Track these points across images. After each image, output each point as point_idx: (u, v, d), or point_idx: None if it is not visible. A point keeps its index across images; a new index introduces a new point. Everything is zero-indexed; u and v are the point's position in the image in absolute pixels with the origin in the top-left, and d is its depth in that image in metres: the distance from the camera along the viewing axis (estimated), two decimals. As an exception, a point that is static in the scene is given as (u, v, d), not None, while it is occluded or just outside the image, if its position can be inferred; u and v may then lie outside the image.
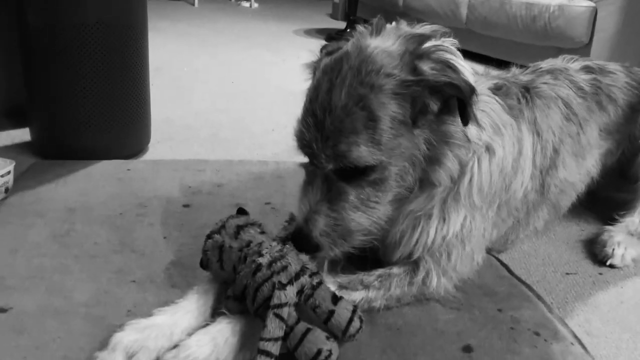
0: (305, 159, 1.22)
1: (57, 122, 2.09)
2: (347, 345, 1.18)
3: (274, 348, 1.02)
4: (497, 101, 1.39)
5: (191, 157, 2.27)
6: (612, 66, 1.84)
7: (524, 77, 1.62)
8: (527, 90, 1.54)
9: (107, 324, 1.17)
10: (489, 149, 1.34)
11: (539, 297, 1.43)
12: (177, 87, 3.37)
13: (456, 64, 1.17)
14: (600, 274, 1.62)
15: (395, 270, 1.34)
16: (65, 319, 1.20)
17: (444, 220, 1.32)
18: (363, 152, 1.13)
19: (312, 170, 1.22)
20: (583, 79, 1.71)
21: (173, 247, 1.52)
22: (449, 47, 1.20)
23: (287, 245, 1.17)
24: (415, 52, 1.17)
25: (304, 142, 1.19)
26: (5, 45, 2.38)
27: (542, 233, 1.79)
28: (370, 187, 1.20)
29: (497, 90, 1.44)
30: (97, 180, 1.92)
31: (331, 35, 5.43)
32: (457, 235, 1.34)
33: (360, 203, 1.20)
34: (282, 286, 1.07)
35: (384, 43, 1.20)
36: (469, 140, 1.27)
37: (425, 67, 1.15)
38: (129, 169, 2.02)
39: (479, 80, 1.39)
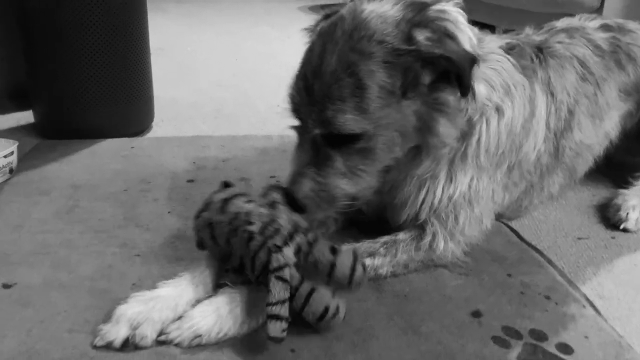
0: (297, 122, 1.22)
1: (60, 103, 2.07)
2: (352, 313, 1.17)
3: (283, 310, 1.01)
4: (509, 60, 1.35)
5: (196, 134, 2.25)
6: (632, 24, 1.76)
7: (537, 37, 1.56)
8: (541, 50, 1.48)
9: (111, 297, 1.17)
10: (498, 109, 1.31)
11: (549, 261, 1.40)
12: (181, 67, 3.35)
13: (456, 33, 1.14)
14: (613, 238, 1.58)
15: (401, 236, 1.31)
16: (70, 292, 1.20)
17: (451, 180, 1.30)
18: (348, 120, 1.12)
19: (301, 133, 1.21)
20: (601, 37, 1.65)
21: (177, 222, 1.51)
22: (451, 14, 1.16)
23: (278, 208, 1.15)
24: (413, 19, 1.13)
25: (294, 105, 1.18)
26: (6, 26, 2.36)
27: (557, 198, 1.75)
28: (357, 156, 1.18)
29: (510, 50, 1.39)
30: (101, 158, 1.91)
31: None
32: (465, 196, 1.31)
33: (346, 170, 1.19)
34: (278, 249, 1.06)
35: (381, 7, 1.16)
36: (465, 108, 1.24)
37: (421, 36, 1.11)
38: (133, 147, 2.01)
39: (490, 39, 1.35)
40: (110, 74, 2.06)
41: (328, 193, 1.20)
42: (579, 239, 1.57)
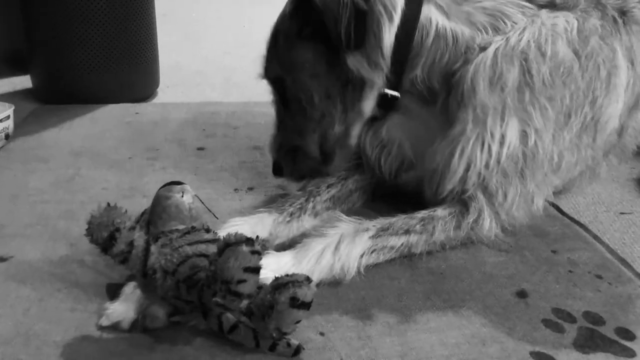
0: None
1: (59, 66, 1.94)
2: (385, 292, 1.05)
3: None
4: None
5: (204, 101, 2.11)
6: None
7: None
8: (624, 13, 1.29)
9: (118, 273, 1.05)
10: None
11: (595, 237, 1.28)
12: (186, 33, 3.19)
13: None
14: (659, 212, 1.46)
15: (440, 212, 1.18)
16: (71, 268, 1.08)
17: (492, 136, 1.12)
18: (268, 68, 1.24)
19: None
20: None
21: (188, 191, 1.38)
22: None
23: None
24: None
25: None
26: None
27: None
28: (296, 109, 1.21)
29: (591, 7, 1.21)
30: (103, 124, 1.78)
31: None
32: (516, 162, 1.15)
33: (293, 125, 1.23)
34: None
35: None
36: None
37: None
38: (137, 113, 1.88)
39: None
40: (113, 35, 1.92)
41: (297, 150, 1.24)
42: (622, 213, 1.44)
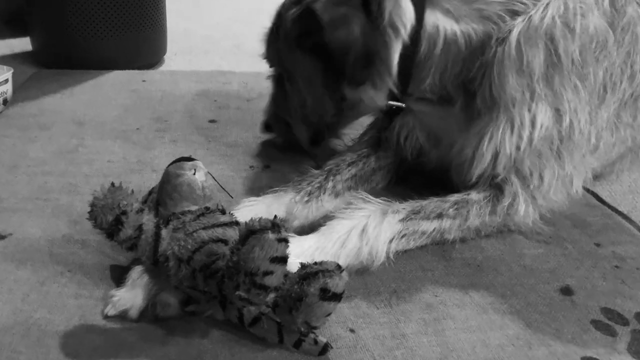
0: None
1: (60, 29, 1.81)
2: (418, 285, 0.96)
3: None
4: None
5: (214, 70, 1.99)
6: None
7: None
8: None
9: (126, 255, 0.95)
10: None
11: (640, 229, 1.19)
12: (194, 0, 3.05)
13: None
14: (703, 203, 1.36)
15: (474, 195, 1.09)
16: (74, 248, 0.99)
17: (522, 121, 1.03)
18: (267, 51, 1.25)
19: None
20: None
21: (200, 167, 1.28)
22: None
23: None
24: None
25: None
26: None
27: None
28: (290, 95, 1.21)
29: None
30: (108, 91, 1.67)
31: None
32: (551, 140, 1.05)
33: (286, 106, 1.25)
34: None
35: None
36: None
37: None
38: (144, 80, 1.76)
39: None
40: (118, -3, 1.79)
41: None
42: (662, 203, 1.35)
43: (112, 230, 0.77)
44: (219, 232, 0.81)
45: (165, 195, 0.88)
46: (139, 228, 0.78)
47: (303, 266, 0.77)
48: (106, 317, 0.84)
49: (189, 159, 0.92)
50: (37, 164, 1.25)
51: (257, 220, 0.72)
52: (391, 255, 0.99)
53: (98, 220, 0.77)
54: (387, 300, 0.93)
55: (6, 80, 1.57)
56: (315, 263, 0.77)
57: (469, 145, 1.07)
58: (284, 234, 0.72)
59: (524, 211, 1.09)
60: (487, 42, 1.02)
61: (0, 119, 1.46)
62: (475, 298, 0.95)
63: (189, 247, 0.79)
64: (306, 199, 1.11)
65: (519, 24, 0.99)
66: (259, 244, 0.72)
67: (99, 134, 1.41)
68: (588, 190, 1.33)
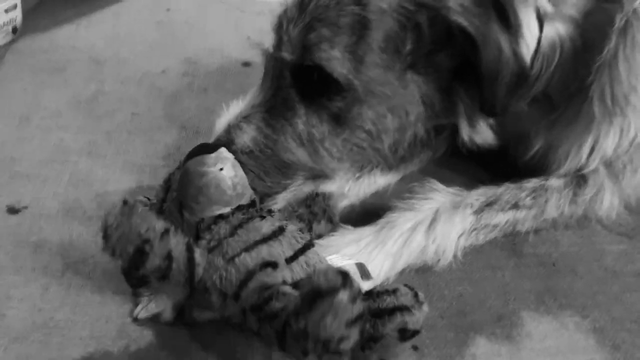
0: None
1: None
2: (487, 289, 0.85)
3: None
4: None
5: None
6: None
7: None
8: None
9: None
10: None
11: None
12: None
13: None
14: None
15: (554, 182, 0.93)
16: (96, 227, 0.86)
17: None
18: (333, 56, 0.77)
19: (267, 64, 0.86)
20: None
21: (235, 123, 1.14)
22: None
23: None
24: None
25: (278, 20, 0.84)
26: None
27: None
28: (326, 120, 0.83)
29: None
30: (129, 23, 1.48)
31: None
32: None
33: (305, 133, 0.83)
34: None
35: None
36: None
37: None
38: (168, 9, 1.56)
39: None
40: None
41: (275, 153, 0.84)
42: None
43: (135, 262, 0.63)
44: (264, 252, 0.67)
45: (189, 199, 0.73)
46: (168, 256, 0.64)
47: (372, 296, 0.64)
48: (135, 319, 0.74)
49: (211, 147, 0.75)
50: (51, 116, 1.11)
51: (323, 274, 0.57)
52: (459, 253, 0.87)
53: (116, 253, 0.63)
54: (453, 307, 0.81)
55: (15, 6, 1.39)
56: (387, 291, 0.64)
57: (560, 145, 0.91)
58: (356, 287, 0.58)
59: (609, 203, 0.94)
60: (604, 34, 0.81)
61: (9, 55, 1.30)
62: (552, 308, 0.83)
63: (233, 280, 0.66)
64: (357, 174, 0.98)
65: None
66: (331, 310, 0.56)
67: (119, 77, 1.25)
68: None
